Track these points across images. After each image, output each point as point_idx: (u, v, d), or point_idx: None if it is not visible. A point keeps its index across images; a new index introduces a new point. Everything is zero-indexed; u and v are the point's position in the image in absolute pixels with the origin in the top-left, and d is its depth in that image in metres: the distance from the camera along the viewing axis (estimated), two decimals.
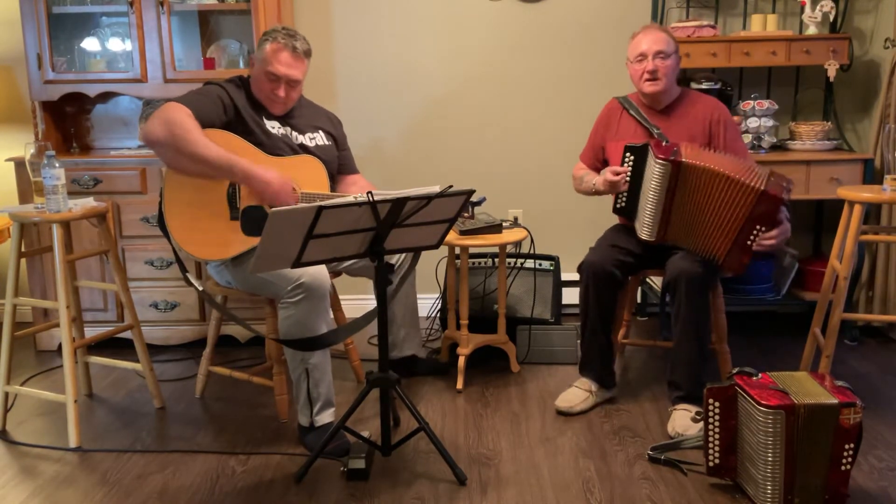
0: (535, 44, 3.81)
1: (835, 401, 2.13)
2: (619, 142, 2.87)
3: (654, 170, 2.66)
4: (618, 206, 2.85)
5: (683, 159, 2.62)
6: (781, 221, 2.60)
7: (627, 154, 2.76)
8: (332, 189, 2.85)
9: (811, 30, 3.54)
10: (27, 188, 3.34)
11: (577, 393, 2.87)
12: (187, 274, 2.73)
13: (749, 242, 2.61)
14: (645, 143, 2.73)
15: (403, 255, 2.88)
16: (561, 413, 2.83)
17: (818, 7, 3.49)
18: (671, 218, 2.71)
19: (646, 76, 2.80)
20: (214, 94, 2.64)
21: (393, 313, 3.04)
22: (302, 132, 2.82)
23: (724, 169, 2.59)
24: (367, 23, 3.80)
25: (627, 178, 2.76)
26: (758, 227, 2.59)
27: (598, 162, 3.03)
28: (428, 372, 3.20)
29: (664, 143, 2.70)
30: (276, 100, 2.73)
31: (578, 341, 3.31)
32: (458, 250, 3.11)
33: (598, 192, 2.88)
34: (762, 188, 2.54)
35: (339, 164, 2.94)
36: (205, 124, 2.55)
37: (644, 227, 2.75)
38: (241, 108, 2.67)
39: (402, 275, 2.88)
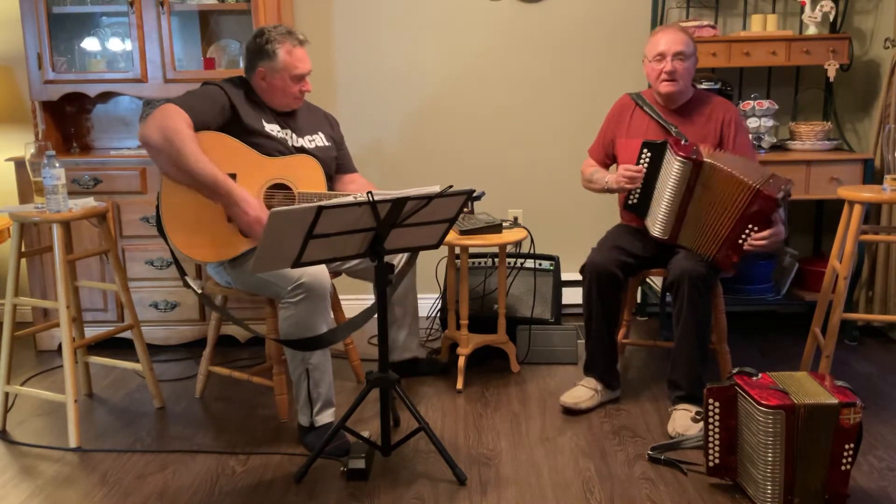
0: (535, 44, 3.81)
1: (835, 401, 2.13)
2: (631, 139, 2.87)
3: (673, 167, 2.65)
4: (629, 202, 2.83)
5: (704, 159, 2.62)
6: (775, 223, 2.60)
7: (645, 150, 2.74)
8: (330, 189, 2.85)
9: (811, 30, 3.53)
10: (27, 188, 3.34)
11: (584, 391, 2.86)
12: (186, 277, 2.72)
13: (740, 241, 2.61)
14: (664, 140, 2.72)
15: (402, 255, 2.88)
16: (567, 409, 2.83)
17: (818, 7, 3.48)
18: (686, 217, 2.70)
19: (663, 76, 2.78)
20: (212, 95, 2.64)
21: (393, 314, 3.04)
22: (301, 134, 2.82)
23: (734, 169, 2.59)
24: (368, 23, 3.80)
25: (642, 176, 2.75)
26: (750, 226, 2.59)
27: (608, 158, 3.02)
28: (428, 372, 3.21)
29: (683, 142, 2.69)
30: (303, 95, 2.78)
31: (579, 341, 3.31)
32: (458, 250, 3.11)
33: (609, 191, 2.87)
34: (757, 187, 2.54)
35: (337, 164, 2.94)
36: (202, 126, 2.55)
37: (657, 225, 2.75)
38: (239, 108, 2.66)
39: (399, 272, 2.88)
